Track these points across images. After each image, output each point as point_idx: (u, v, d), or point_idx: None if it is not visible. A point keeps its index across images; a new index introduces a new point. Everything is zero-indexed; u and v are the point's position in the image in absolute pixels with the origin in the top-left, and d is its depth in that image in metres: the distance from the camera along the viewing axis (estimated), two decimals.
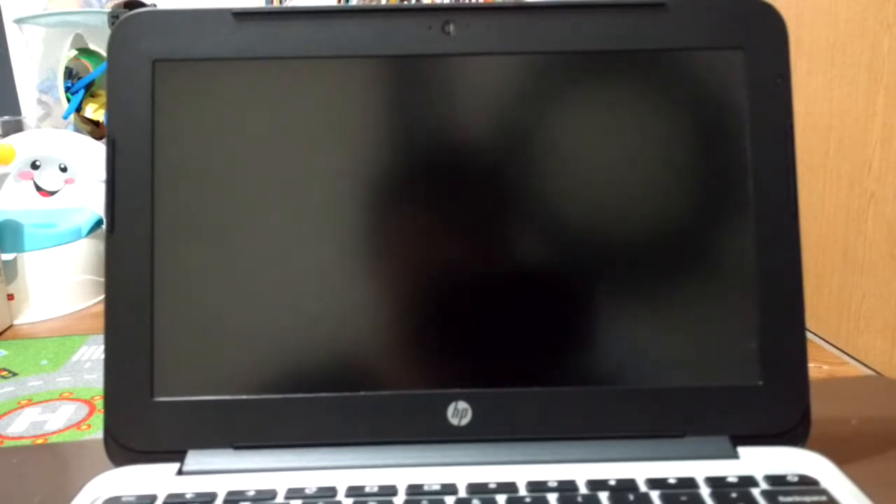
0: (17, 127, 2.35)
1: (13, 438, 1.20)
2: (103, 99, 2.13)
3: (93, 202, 1.92)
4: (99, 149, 1.96)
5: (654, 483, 0.31)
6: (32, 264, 1.76)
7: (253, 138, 0.34)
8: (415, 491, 0.30)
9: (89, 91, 2.24)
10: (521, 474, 0.31)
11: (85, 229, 1.84)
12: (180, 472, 0.33)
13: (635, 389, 0.34)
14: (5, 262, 1.71)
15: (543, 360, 0.34)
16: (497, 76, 0.35)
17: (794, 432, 0.34)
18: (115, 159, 0.34)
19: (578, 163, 0.35)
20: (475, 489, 0.31)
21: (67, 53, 2.24)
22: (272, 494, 0.31)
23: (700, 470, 0.31)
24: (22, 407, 1.32)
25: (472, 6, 0.35)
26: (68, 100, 2.22)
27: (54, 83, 2.37)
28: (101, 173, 1.87)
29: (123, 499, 0.31)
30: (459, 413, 0.34)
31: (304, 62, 0.34)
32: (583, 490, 0.30)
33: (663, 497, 0.30)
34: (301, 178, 0.35)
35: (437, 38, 0.35)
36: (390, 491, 0.30)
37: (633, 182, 0.35)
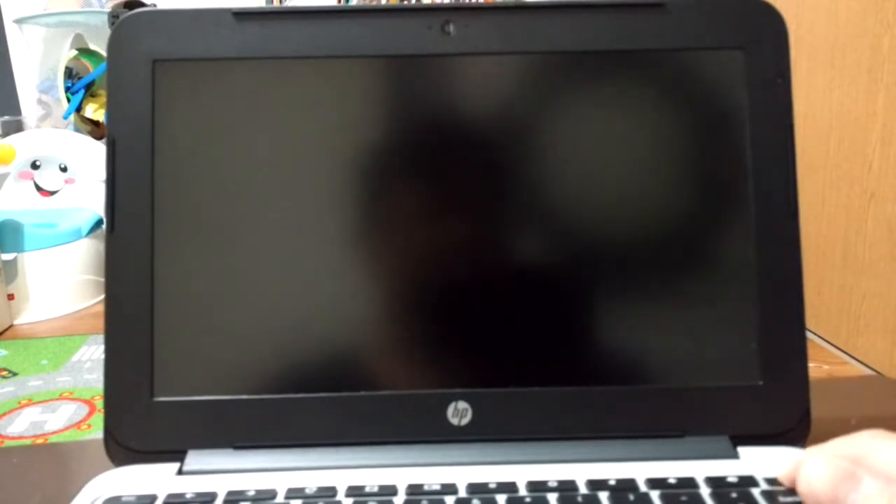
0: (17, 127, 2.35)
1: (13, 438, 1.20)
2: (103, 99, 2.13)
3: (93, 202, 1.92)
4: (99, 149, 1.96)
5: (654, 483, 0.31)
6: (32, 264, 1.76)
7: (253, 138, 0.34)
8: (415, 491, 0.30)
9: (89, 91, 2.24)
10: (521, 474, 0.31)
11: (85, 229, 1.84)
12: (180, 472, 0.33)
13: (635, 389, 0.34)
14: (5, 262, 1.71)
15: (543, 360, 0.34)
16: (497, 76, 0.35)
17: (794, 432, 0.34)
18: (115, 159, 0.34)
19: (578, 163, 0.35)
20: (475, 489, 0.31)
21: (67, 53, 2.24)
22: (272, 494, 0.31)
23: (700, 470, 0.31)
24: (22, 407, 1.32)
25: (472, 6, 0.35)
26: (68, 100, 2.22)
27: (54, 83, 2.37)
28: (101, 173, 1.87)
29: (123, 499, 0.31)
30: (459, 413, 0.34)
31: (304, 62, 0.34)
32: (583, 490, 0.30)
33: (663, 497, 0.30)
34: (301, 178, 0.35)
35: (437, 38, 0.35)
36: (390, 491, 0.30)
37: (633, 182, 0.35)
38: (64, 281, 1.79)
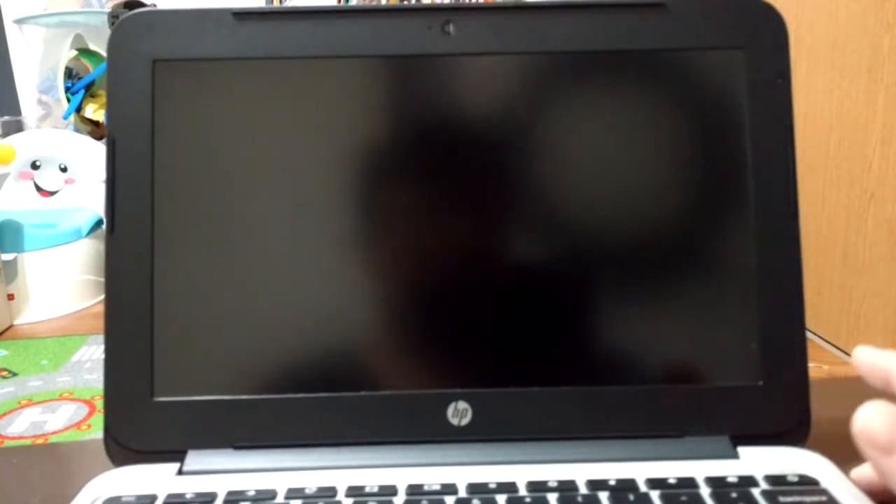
0: (17, 127, 2.35)
1: (13, 438, 1.20)
2: (103, 99, 2.13)
3: (93, 202, 1.92)
4: (99, 149, 1.96)
5: (654, 483, 0.31)
6: (32, 264, 1.76)
7: (253, 138, 0.34)
8: (415, 491, 0.30)
9: (89, 91, 2.24)
10: (521, 474, 0.31)
11: (85, 229, 1.84)
12: (180, 472, 0.33)
13: (635, 389, 0.34)
14: (5, 262, 1.71)
15: (543, 359, 0.34)
16: (497, 76, 0.35)
17: (794, 432, 0.34)
18: (115, 159, 0.34)
19: (578, 163, 0.35)
20: (475, 489, 0.31)
21: (67, 53, 2.24)
22: (272, 494, 0.31)
23: (700, 470, 0.31)
24: (22, 407, 1.32)
25: (472, 6, 0.35)
26: (68, 100, 2.22)
27: (54, 83, 2.37)
28: (101, 173, 1.87)
29: (123, 499, 0.31)
30: (459, 413, 0.34)
31: (304, 62, 0.34)
32: (583, 490, 0.30)
33: (663, 497, 0.30)
34: (300, 178, 0.35)
35: (437, 38, 0.35)
36: (390, 491, 0.30)
37: (633, 182, 0.35)
38: (64, 281, 1.79)
